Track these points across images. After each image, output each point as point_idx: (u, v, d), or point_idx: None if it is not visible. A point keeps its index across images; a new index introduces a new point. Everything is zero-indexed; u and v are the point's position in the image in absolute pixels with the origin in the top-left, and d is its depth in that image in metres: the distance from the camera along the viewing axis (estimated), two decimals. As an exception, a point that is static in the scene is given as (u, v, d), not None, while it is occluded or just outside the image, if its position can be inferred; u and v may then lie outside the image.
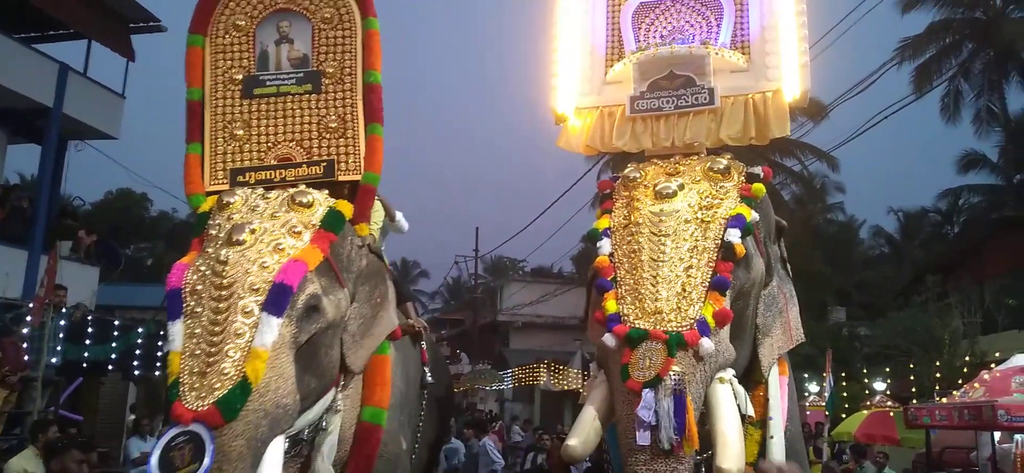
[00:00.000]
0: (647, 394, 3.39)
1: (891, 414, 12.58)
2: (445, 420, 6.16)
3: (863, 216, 31.08)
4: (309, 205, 3.85)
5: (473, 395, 24.93)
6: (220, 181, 4.28)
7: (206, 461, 3.00)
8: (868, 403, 14.20)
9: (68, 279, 10.59)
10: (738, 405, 3.73)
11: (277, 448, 3.31)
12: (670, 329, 3.57)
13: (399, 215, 5.42)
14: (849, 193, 26.70)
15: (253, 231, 3.65)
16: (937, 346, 14.64)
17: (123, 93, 14.39)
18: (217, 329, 3.30)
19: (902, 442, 11.79)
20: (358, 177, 4.25)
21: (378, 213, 5.20)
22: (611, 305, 3.78)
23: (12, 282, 11.32)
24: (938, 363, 13.50)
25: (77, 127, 13.69)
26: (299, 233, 3.70)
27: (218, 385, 3.13)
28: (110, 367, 10.91)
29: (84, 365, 9.84)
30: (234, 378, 3.15)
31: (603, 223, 4.19)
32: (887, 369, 15.20)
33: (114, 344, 10.41)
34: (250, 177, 4.24)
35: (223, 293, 3.39)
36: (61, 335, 9.49)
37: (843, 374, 15.61)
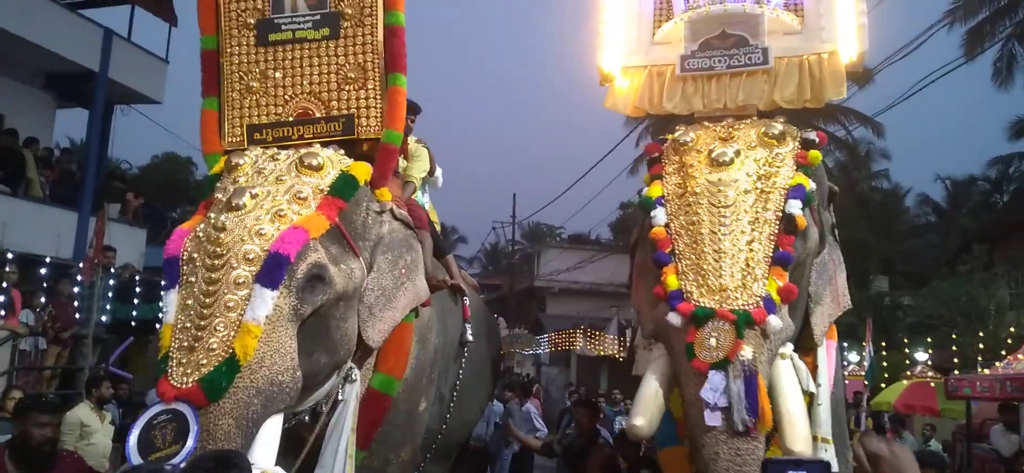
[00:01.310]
0: (715, 376, 3.37)
1: (932, 385, 12.42)
2: (493, 380, 5.96)
3: (909, 184, 30.38)
4: (319, 168, 3.56)
5: (510, 359, 25.07)
6: (238, 138, 3.98)
7: (189, 443, 2.77)
8: (908, 373, 14.03)
9: (116, 240, 10.83)
10: (799, 381, 3.69)
11: (273, 427, 3.10)
12: (737, 308, 3.52)
13: (438, 170, 5.37)
14: (895, 160, 26.05)
15: (255, 196, 3.38)
16: (981, 317, 14.35)
17: (166, 58, 14.54)
18: (208, 301, 3.07)
19: (943, 413, 11.65)
20: (377, 134, 3.90)
21: (423, 160, 5.14)
22: (672, 281, 3.71)
23: (63, 243, 11.60)
24: (982, 334, 13.26)
25: (123, 92, 13.92)
26: (305, 199, 3.42)
27: (204, 361, 2.94)
28: (157, 326, 11.12)
29: (132, 323, 10.06)
30: (221, 355, 2.95)
31: (656, 191, 4.10)
32: (929, 339, 14.95)
33: (161, 304, 10.57)
34: (267, 134, 3.93)
35: (216, 262, 3.15)
36: (110, 294, 9.73)
37: (883, 344, 15.40)
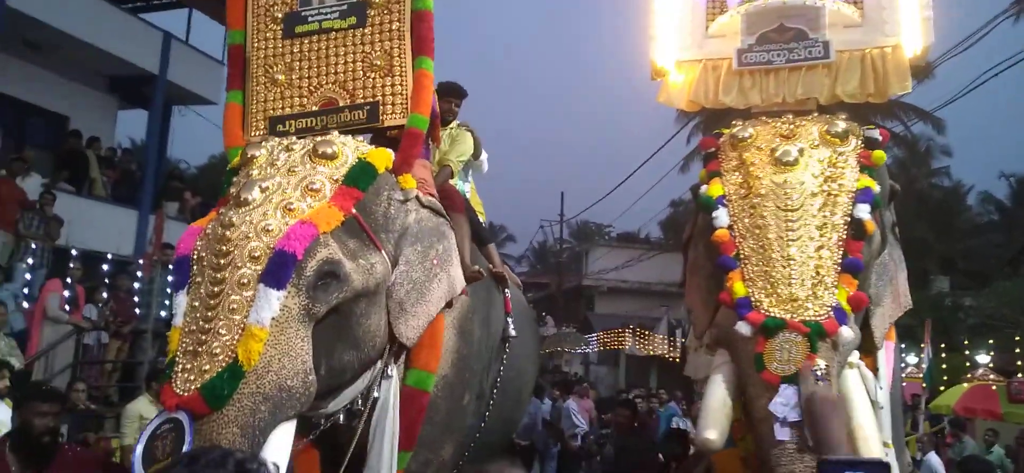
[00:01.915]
0: (787, 390, 3.30)
1: (994, 388, 12.01)
2: (535, 378, 5.64)
3: (971, 181, 29.45)
4: (333, 157, 3.34)
5: (558, 357, 25.04)
6: (261, 131, 3.86)
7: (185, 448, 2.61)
8: (969, 376, 13.61)
9: (174, 237, 11.06)
10: (867, 390, 3.60)
11: (284, 433, 2.89)
12: (808, 318, 3.43)
13: (483, 154, 5.18)
14: (956, 157, 25.28)
15: (264, 189, 3.19)
16: (1046, 318, 13.87)
17: (223, 60, 14.85)
18: (212, 303, 2.89)
19: (1005, 417, 11.24)
20: (403, 121, 3.74)
21: (465, 143, 4.89)
22: (739, 288, 3.63)
23: (124, 240, 11.94)
24: (1046, 335, 12.82)
25: (181, 93, 14.32)
26: (317, 190, 3.20)
27: (207, 367, 2.76)
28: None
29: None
30: (223, 361, 2.76)
31: (716, 189, 4.00)
32: (991, 341, 14.48)
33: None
34: (290, 125, 3.79)
35: (222, 262, 2.95)
36: (168, 290, 9.96)
37: (943, 345, 14.96)
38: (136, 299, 9.73)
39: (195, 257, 3.06)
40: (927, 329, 10.49)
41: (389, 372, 3.45)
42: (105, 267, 10.44)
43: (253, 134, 3.85)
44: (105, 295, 9.61)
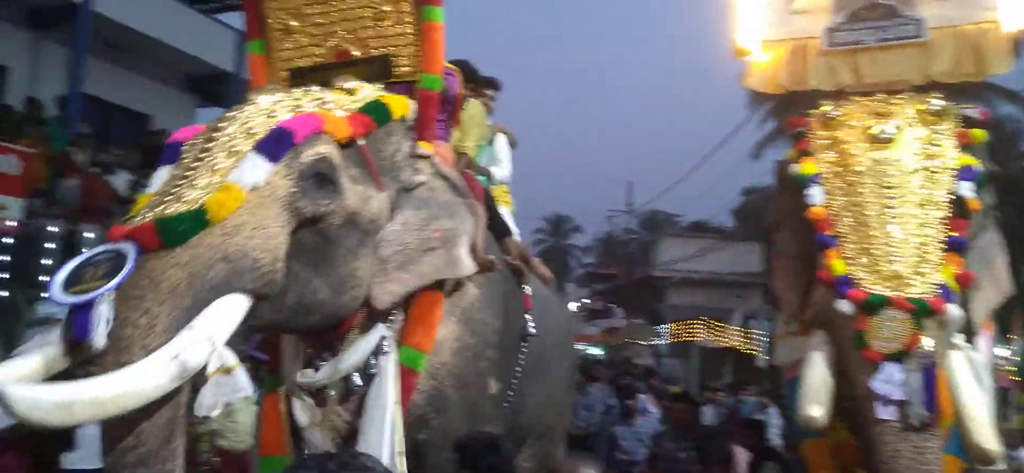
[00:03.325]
0: (890, 368, 3.22)
1: (1087, 381, 11.44)
2: (560, 379, 4.89)
3: (1062, 165, 28.04)
4: (351, 92, 3.22)
5: (627, 349, 24.85)
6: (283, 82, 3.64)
7: (115, 281, 2.26)
8: (1062, 369, 12.96)
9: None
10: (975, 373, 3.46)
11: (233, 305, 2.54)
12: (913, 296, 3.32)
13: (505, 151, 4.81)
14: (1047, 139, 24.08)
15: (278, 99, 3.02)
16: None
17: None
18: (194, 166, 2.66)
19: (1099, 411, 10.71)
20: (414, 77, 3.52)
21: (478, 127, 4.51)
22: (839, 265, 3.52)
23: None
24: None
25: (253, 90, 14.66)
26: (329, 107, 3.05)
27: (169, 209, 2.47)
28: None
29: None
30: (190, 205, 2.48)
31: (809, 167, 3.88)
32: (1090, 332, 13.74)
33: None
34: (309, 80, 3.54)
35: (215, 134, 2.76)
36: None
37: (1035, 337, 14.27)
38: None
39: (189, 143, 2.84)
40: (1018, 320, 10.08)
41: (386, 347, 3.22)
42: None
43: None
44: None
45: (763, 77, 4.66)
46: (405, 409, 3.22)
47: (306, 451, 3.33)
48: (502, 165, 4.70)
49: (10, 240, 9.03)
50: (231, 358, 2.50)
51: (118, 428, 2.27)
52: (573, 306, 33.72)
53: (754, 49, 4.65)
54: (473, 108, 4.39)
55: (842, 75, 4.35)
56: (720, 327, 20.69)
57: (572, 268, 47.53)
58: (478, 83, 4.75)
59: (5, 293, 8.09)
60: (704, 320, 21.11)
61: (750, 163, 20.09)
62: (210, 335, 2.41)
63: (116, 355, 2.21)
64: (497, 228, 3.98)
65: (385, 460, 2.99)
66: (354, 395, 3.22)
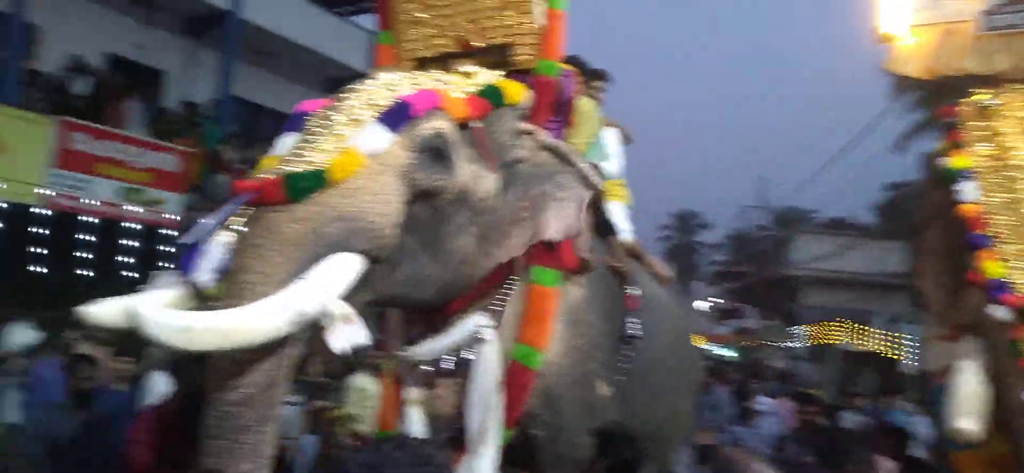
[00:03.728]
0: None
1: None
2: (673, 382, 4.65)
3: None
4: (469, 75, 3.29)
5: (760, 351, 24.04)
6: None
7: (221, 213, 2.49)
8: None
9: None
10: None
11: (348, 263, 2.62)
12: None
13: (615, 146, 4.57)
14: None
15: (398, 75, 3.14)
16: None
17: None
18: (318, 131, 2.77)
19: None
20: (532, 63, 3.54)
21: (588, 122, 4.32)
22: (994, 268, 3.30)
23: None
24: None
25: (388, 88, 15.23)
26: (448, 87, 3.14)
27: (295, 168, 2.60)
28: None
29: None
30: (314, 166, 2.61)
31: (961, 161, 3.64)
32: None
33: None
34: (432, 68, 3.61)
35: (340, 104, 2.87)
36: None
37: None
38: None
39: (315, 114, 2.96)
40: None
41: (485, 334, 3.20)
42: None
43: None
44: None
45: (910, 63, 4.39)
46: (520, 407, 3.28)
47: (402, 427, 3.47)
48: (612, 160, 4.54)
49: (171, 232, 9.80)
50: (348, 309, 2.53)
51: (227, 368, 2.43)
52: (701, 305, 33.01)
53: (900, 33, 4.40)
54: (584, 104, 4.30)
55: (1000, 61, 4.03)
56: (860, 330, 19.64)
57: (700, 266, 46.51)
58: (587, 76, 4.65)
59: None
60: (843, 322, 20.10)
61: (893, 156, 18.94)
62: (325, 287, 2.50)
63: (234, 298, 2.39)
64: (603, 227, 3.94)
65: (483, 452, 3.08)
66: (454, 378, 3.30)
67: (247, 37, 13.05)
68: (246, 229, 2.46)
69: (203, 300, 2.43)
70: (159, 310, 2.29)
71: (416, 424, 3.49)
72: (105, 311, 2.41)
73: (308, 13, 14.11)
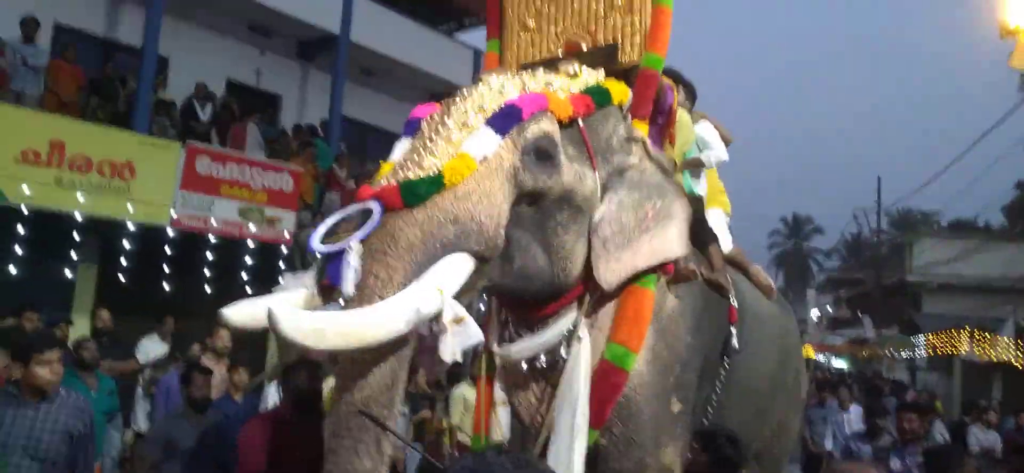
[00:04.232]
0: None
1: None
2: (778, 397, 4.50)
3: None
4: (574, 75, 3.34)
5: (878, 362, 22.96)
6: None
7: (361, 231, 2.60)
8: None
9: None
10: None
11: (461, 262, 2.75)
12: None
13: (712, 152, 4.43)
14: None
15: (505, 78, 3.24)
16: None
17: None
18: (433, 136, 2.93)
19: None
20: (639, 61, 3.59)
21: (683, 131, 4.22)
22: None
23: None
24: None
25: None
26: (553, 90, 3.21)
27: (411, 174, 2.76)
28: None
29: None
30: (429, 171, 2.76)
31: None
32: None
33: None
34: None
35: (451, 109, 3.02)
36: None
37: None
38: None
39: (427, 119, 3.11)
40: None
41: (580, 333, 3.25)
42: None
43: None
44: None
45: (1035, 61, 4.17)
46: (608, 408, 3.27)
47: (495, 429, 3.56)
48: (713, 150, 4.41)
49: (286, 249, 10.26)
50: (461, 310, 2.64)
51: (351, 368, 2.58)
52: (814, 314, 31.81)
53: (1024, 27, 4.18)
54: (680, 116, 4.24)
55: None
56: (987, 339, 18.47)
57: (813, 273, 44.88)
58: (681, 88, 4.54)
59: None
60: (968, 331, 18.95)
61: (1022, 154, 17.79)
62: (440, 287, 2.61)
63: (360, 301, 2.51)
64: (701, 236, 3.88)
65: (566, 451, 3.10)
66: (546, 377, 3.36)
67: (355, 58, 13.55)
68: (368, 234, 2.59)
69: (327, 303, 2.57)
70: (292, 312, 2.43)
71: (505, 425, 3.60)
72: (241, 313, 2.61)
73: (412, 32, 14.52)
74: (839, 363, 25.12)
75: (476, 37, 15.90)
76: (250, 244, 10.13)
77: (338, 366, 2.67)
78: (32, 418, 3.57)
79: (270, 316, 2.30)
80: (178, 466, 4.52)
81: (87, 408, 3.92)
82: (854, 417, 8.76)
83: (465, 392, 6.60)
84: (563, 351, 3.26)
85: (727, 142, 4.72)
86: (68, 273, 9.32)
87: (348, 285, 2.52)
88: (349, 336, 2.41)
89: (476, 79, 3.27)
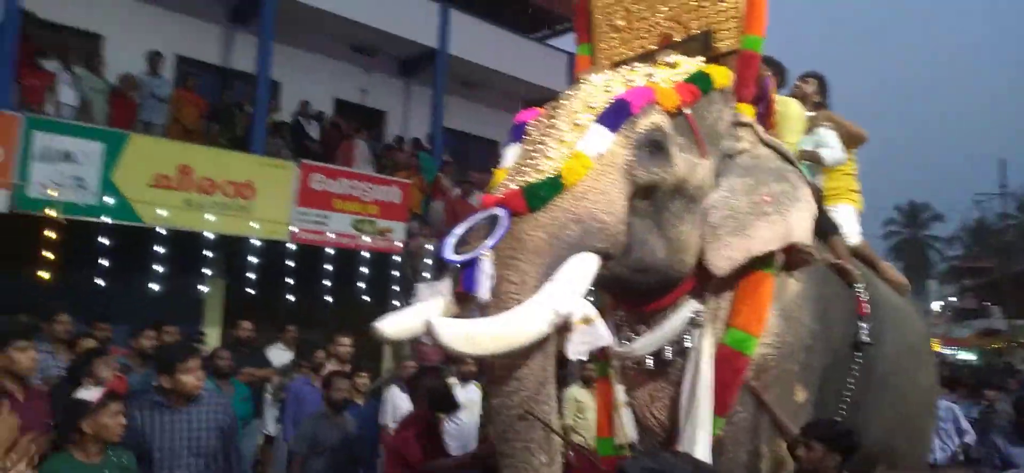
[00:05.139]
0: None
1: None
2: (913, 397, 4.26)
3: None
4: (673, 65, 3.31)
5: (1009, 354, 21.64)
6: None
7: (493, 239, 2.65)
8: None
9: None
10: None
11: (586, 262, 2.78)
12: None
13: (830, 151, 4.32)
14: None
15: (608, 75, 3.26)
16: None
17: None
18: (544, 138, 2.95)
19: None
20: (735, 48, 3.52)
21: (794, 121, 4.15)
22: None
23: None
24: None
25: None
26: (657, 82, 3.18)
27: (531, 177, 2.80)
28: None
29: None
30: (547, 173, 2.79)
31: None
32: None
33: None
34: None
35: (560, 110, 3.04)
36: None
37: None
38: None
39: (533, 122, 3.16)
40: None
41: (701, 319, 3.24)
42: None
43: None
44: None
45: None
46: (733, 395, 3.23)
47: (621, 431, 3.61)
48: (830, 149, 4.35)
49: (397, 258, 10.64)
50: (590, 309, 2.68)
51: (502, 373, 2.69)
52: (936, 306, 30.25)
53: None
54: (785, 105, 4.20)
55: None
56: None
57: (933, 263, 42.67)
58: (780, 76, 4.37)
59: (396, 304, 9.48)
60: (1111, 318, 17.66)
61: None
62: (571, 286, 2.68)
63: (497, 306, 2.60)
64: (823, 225, 3.76)
65: (697, 440, 3.09)
66: (667, 372, 3.34)
67: (454, 71, 13.90)
68: (498, 241, 2.66)
69: (465, 310, 2.70)
70: (448, 322, 2.54)
71: (629, 427, 3.63)
72: (394, 326, 2.75)
73: (507, 42, 14.75)
74: (966, 356, 23.78)
75: (569, 42, 16.02)
76: (364, 254, 10.54)
77: (490, 372, 2.78)
78: (188, 419, 3.88)
79: (429, 327, 2.42)
80: (323, 462, 4.88)
81: (228, 404, 4.28)
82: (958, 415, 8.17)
83: (576, 394, 6.65)
84: (687, 342, 3.25)
85: (861, 140, 4.68)
86: (201, 288, 9.93)
87: (484, 291, 2.62)
88: (499, 340, 2.51)
89: (578, 80, 3.30)
